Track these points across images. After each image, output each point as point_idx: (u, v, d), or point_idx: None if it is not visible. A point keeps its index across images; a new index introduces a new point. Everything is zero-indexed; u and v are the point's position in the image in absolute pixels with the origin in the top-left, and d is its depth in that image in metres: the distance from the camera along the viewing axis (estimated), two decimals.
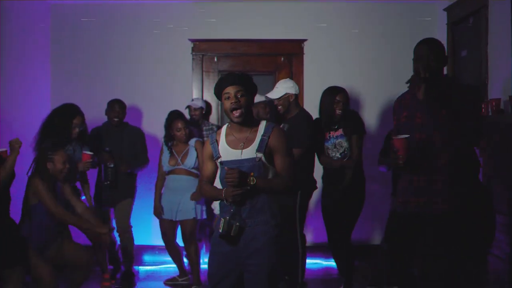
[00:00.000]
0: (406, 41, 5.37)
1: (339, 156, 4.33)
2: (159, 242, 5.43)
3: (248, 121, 2.90)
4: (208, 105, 5.58)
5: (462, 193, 3.01)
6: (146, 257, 5.61)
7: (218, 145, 2.94)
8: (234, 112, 2.84)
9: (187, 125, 4.77)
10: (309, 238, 5.43)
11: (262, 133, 2.88)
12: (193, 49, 5.77)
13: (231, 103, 2.83)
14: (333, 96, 4.37)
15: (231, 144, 2.91)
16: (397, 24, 5.72)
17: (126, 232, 4.98)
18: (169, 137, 4.77)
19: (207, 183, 3.01)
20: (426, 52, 2.99)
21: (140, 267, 5.44)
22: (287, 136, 2.99)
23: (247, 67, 5.84)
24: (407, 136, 2.97)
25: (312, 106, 5.41)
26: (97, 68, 5.76)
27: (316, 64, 5.75)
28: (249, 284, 2.88)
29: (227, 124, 3.01)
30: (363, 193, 4.43)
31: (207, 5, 5.72)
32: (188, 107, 5.30)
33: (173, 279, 5.01)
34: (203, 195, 3.23)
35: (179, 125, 4.67)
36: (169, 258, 5.29)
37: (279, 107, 4.46)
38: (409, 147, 2.97)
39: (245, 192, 2.79)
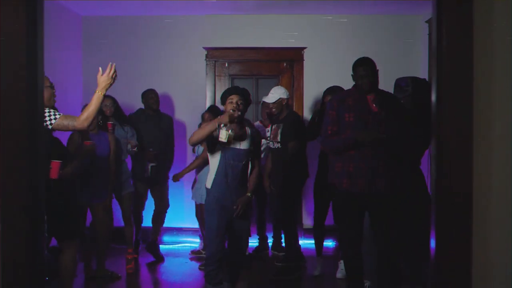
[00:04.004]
0: (394, 48, 5.95)
1: None
2: (177, 224, 6.02)
3: (241, 123, 3.79)
4: None
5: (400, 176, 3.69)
6: (165, 238, 6.03)
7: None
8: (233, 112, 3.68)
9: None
10: (310, 221, 5.93)
11: (249, 133, 3.83)
12: (206, 56, 6.16)
13: (233, 106, 3.66)
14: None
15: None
16: (386, 33, 6.09)
17: (163, 212, 5.41)
18: None
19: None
20: (368, 71, 3.65)
21: (159, 245, 5.63)
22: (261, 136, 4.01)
23: (254, 71, 6.27)
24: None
25: (310, 105, 6.02)
26: (122, 73, 6.04)
27: (315, 69, 6.12)
28: (237, 234, 3.86)
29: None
30: None
31: (219, 17, 6.13)
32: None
33: (197, 252, 5.51)
34: (198, 136, 3.67)
35: (206, 116, 5.12)
36: (185, 239, 5.94)
37: (273, 110, 4.92)
38: None
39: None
